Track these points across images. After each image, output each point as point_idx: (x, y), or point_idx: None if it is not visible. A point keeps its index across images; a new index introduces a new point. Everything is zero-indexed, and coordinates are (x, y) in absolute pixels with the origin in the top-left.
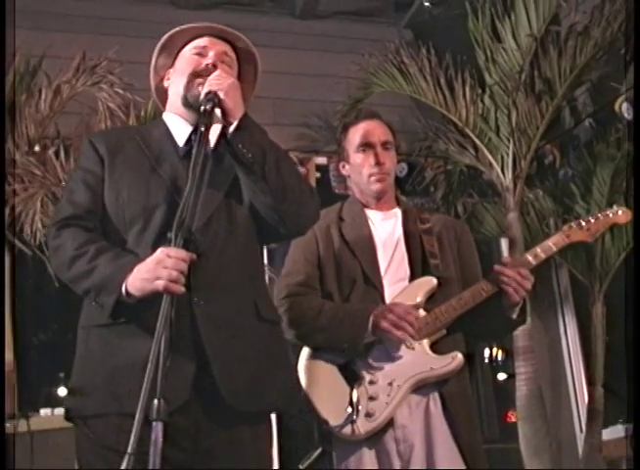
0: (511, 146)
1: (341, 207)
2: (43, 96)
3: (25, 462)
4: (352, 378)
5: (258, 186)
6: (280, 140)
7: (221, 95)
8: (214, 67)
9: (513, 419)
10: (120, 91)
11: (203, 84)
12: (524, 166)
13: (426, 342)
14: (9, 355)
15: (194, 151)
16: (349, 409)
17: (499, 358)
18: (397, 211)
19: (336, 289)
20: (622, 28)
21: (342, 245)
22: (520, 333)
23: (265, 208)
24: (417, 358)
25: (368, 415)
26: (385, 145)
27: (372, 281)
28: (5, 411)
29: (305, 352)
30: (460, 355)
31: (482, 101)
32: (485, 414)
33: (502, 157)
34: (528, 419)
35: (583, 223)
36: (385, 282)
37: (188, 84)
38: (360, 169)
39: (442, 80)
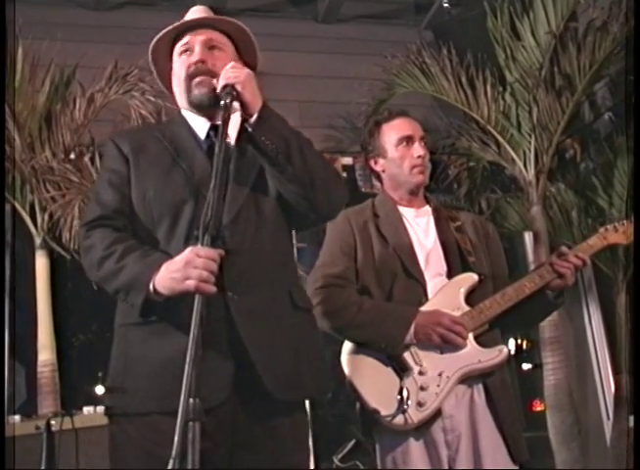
0: (532, 141)
1: (372, 203)
2: (77, 105)
3: (71, 459)
4: (401, 369)
5: (285, 176)
6: None
7: (239, 88)
8: (203, 62)
9: (538, 408)
10: (152, 98)
11: (200, 83)
12: (545, 161)
13: (471, 335)
14: (52, 356)
15: (216, 146)
16: (399, 398)
17: (524, 348)
18: (428, 209)
19: (375, 283)
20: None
21: (380, 240)
22: (546, 324)
23: (294, 196)
24: (465, 351)
25: (419, 405)
26: (422, 139)
27: (413, 275)
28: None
29: (348, 343)
30: (505, 349)
31: (504, 98)
32: None
33: (524, 152)
34: (556, 408)
35: (619, 226)
36: (425, 276)
37: (187, 89)
38: (401, 162)
39: (464, 79)
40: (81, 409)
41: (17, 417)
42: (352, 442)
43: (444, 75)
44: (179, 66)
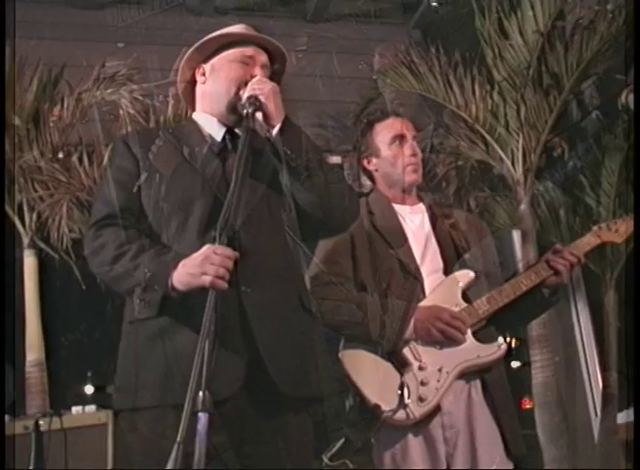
0: (520, 140)
1: (366, 201)
2: (65, 104)
3: (60, 459)
4: (400, 364)
5: (304, 185)
6: None
7: (262, 99)
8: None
9: (527, 406)
10: (140, 97)
11: None
12: (533, 160)
13: (469, 331)
14: (40, 356)
15: (229, 147)
16: (400, 393)
17: (512, 346)
18: (422, 207)
19: (371, 279)
20: (628, 21)
21: (376, 236)
22: (534, 322)
23: (311, 205)
24: (464, 346)
25: (420, 400)
26: (415, 139)
27: (411, 271)
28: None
29: (346, 339)
30: (504, 345)
31: (492, 97)
32: None
33: (512, 151)
34: (545, 406)
35: (612, 225)
36: (422, 272)
37: (237, 93)
38: (394, 161)
39: (452, 78)
40: (70, 409)
41: (5, 417)
42: (342, 440)
43: (432, 74)
44: (233, 70)
